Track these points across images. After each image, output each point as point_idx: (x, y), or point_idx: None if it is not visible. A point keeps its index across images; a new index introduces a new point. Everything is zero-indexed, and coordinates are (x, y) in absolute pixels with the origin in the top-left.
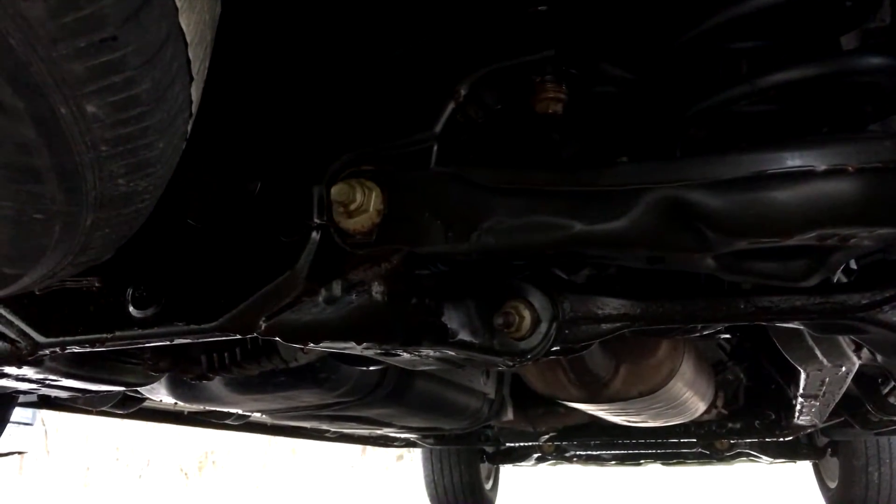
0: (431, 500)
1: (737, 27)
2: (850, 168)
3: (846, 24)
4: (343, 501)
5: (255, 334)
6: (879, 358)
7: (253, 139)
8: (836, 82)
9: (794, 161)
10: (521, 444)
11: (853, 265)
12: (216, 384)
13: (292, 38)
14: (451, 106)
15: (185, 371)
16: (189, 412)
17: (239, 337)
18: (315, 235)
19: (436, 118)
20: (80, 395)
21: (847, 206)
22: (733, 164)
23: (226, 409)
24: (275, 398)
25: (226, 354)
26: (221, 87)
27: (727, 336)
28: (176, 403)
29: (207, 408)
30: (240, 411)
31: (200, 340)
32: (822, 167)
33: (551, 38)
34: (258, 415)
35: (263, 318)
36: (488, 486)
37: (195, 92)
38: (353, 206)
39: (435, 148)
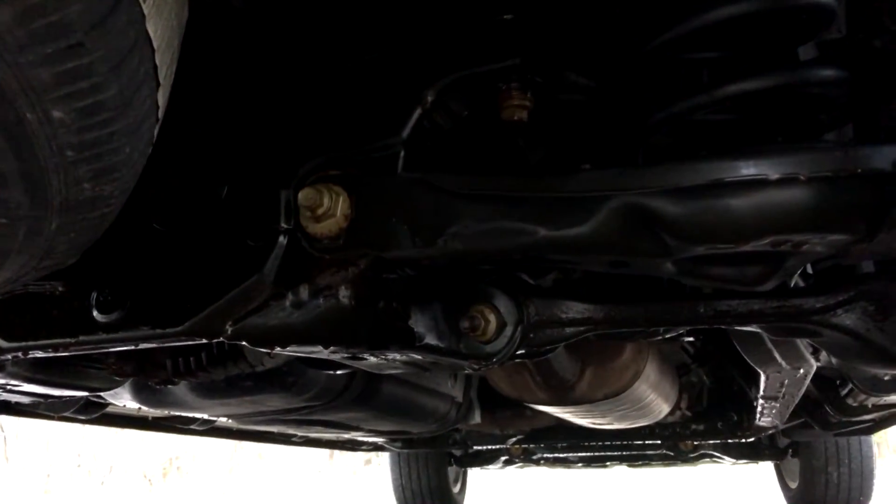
0: None
1: (698, 38)
2: (801, 177)
3: (802, 35)
4: None
5: (222, 339)
6: (834, 360)
7: (220, 143)
8: (790, 93)
9: (748, 170)
10: (489, 447)
11: (809, 270)
12: (181, 389)
13: (259, 43)
14: (418, 112)
15: (149, 376)
16: (153, 417)
17: (205, 341)
18: (282, 240)
19: (403, 124)
20: (42, 400)
21: (799, 213)
22: (692, 172)
23: (191, 414)
24: (241, 402)
25: (191, 359)
26: (189, 90)
27: (691, 339)
28: (140, 408)
29: (172, 413)
30: (205, 416)
31: (166, 345)
32: (776, 176)
33: (517, 47)
34: (224, 419)
35: (230, 323)
36: (456, 489)
37: (162, 97)
38: (320, 211)
39: (402, 153)
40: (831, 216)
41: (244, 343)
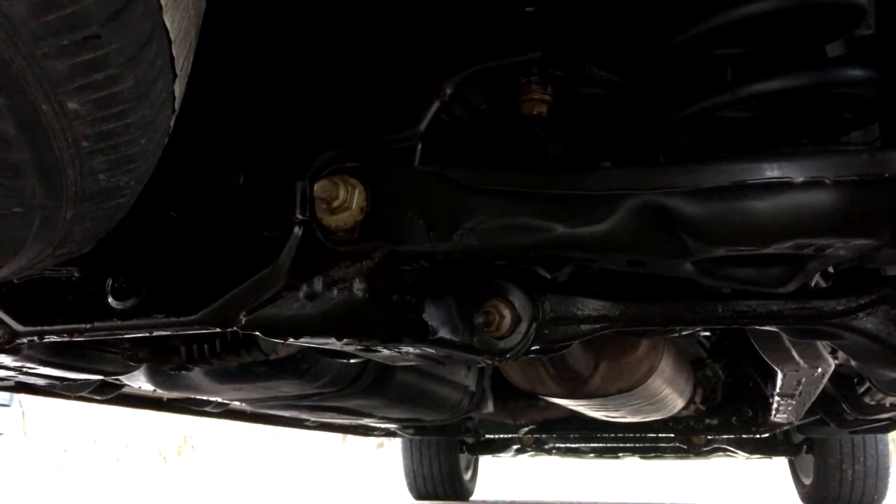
0: (410, 490)
1: (723, 34)
2: (827, 180)
3: (831, 32)
4: (323, 488)
5: (236, 328)
6: (854, 363)
7: (238, 133)
8: (816, 92)
9: (772, 172)
10: (501, 435)
11: (831, 270)
12: (196, 373)
13: (280, 33)
14: (436, 105)
15: (164, 361)
16: (168, 399)
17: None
18: (297, 231)
19: (421, 117)
20: (57, 382)
21: (823, 217)
22: (713, 173)
23: (205, 398)
24: (255, 388)
25: (206, 346)
26: (208, 81)
27: (707, 334)
28: (155, 390)
29: (187, 395)
30: (219, 399)
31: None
32: (800, 179)
33: (538, 40)
34: (238, 403)
35: (244, 313)
36: (467, 476)
37: (178, 88)
38: (335, 203)
39: (419, 146)
40: (856, 220)
41: (258, 333)
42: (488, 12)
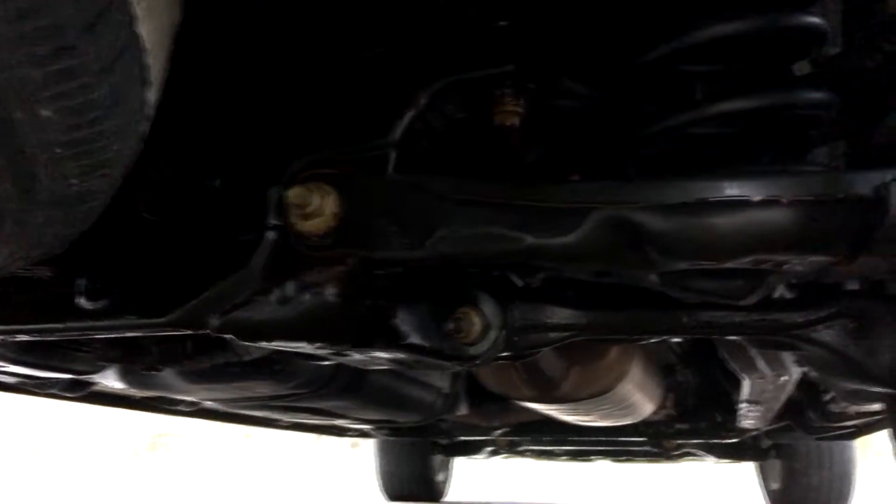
0: (383, 490)
1: (692, 53)
2: (783, 200)
3: (795, 53)
4: (296, 487)
5: (207, 331)
6: (813, 373)
7: (215, 136)
8: (778, 113)
9: (732, 190)
10: (475, 437)
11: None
12: (168, 372)
13: (258, 40)
14: (411, 114)
15: (135, 361)
16: (140, 397)
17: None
18: (271, 235)
19: (395, 125)
20: (27, 380)
21: (780, 234)
22: (677, 190)
23: (177, 397)
24: (228, 388)
25: (178, 347)
26: (185, 85)
27: (679, 340)
28: (127, 388)
29: (159, 394)
30: (192, 399)
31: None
32: (758, 198)
33: (511, 53)
34: (211, 402)
35: (216, 315)
36: (440, 478)
37: (153, 96)
38: (309, 209)
39: (393, 155)
40: (812, 238)
41: (230, 336)
42: (463, 25)
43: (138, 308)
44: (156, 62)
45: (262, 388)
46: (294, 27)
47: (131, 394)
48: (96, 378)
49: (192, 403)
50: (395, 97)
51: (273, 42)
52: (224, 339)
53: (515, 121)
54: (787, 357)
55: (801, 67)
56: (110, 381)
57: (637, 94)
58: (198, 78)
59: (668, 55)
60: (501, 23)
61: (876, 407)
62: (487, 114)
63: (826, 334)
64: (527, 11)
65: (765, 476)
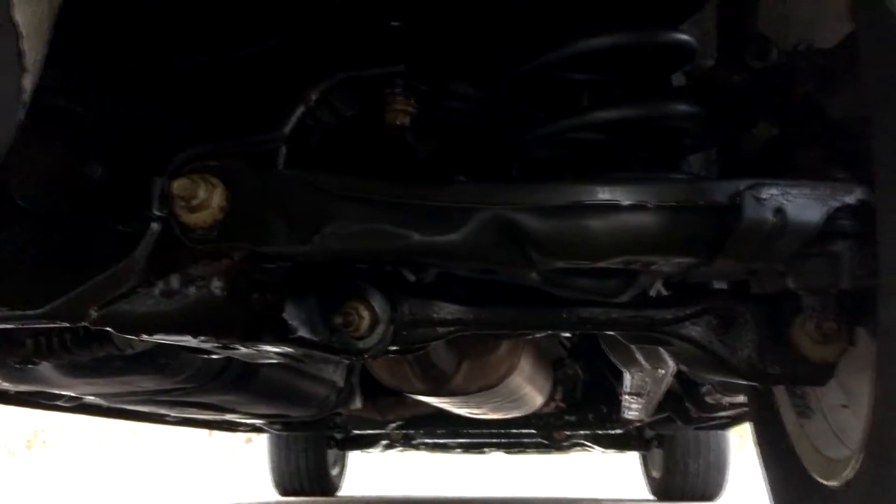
0: (276, 486)
1: (576, 63)
2: (649, 205)
3: (669, 66)
4: (187, 485)
5: (86, 323)
6: (683, 367)
7: (97, 124)
8: (649, 123)
9: (604, 195)
10: (369, 431)
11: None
12: (46, 366)
13: (144, 25)
14: (301, 109)
15: (8, 354)
16: (16, 392)
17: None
18: (155, 227)
19: (285, 120)
20: None
21: (647, 237)
22: (555, 193)
23: (57, 392)
24: (110, 383)
25: (55, 339)
26: (65, 70)
27: (568, 335)
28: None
29: (36, 389)
30: (72, 394)
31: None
32: (627, 202)
33: (402, 54)
34: (92, 397)
35: (95, 308)
36: (335, 472)
37: (29, 82)
38: (195, 202)
39: (283, 149)
40: (675, 241)
41: (109, 329)
42: (356, 23)
43: (12, 299)
44: (32, 49)
45: (147, 383)
46: (178, 17)
47: (5, 388)
48: None
49: (72, 399)
50: (287, 92)
51: (156, 30)
52: (105, 332)
53: (406, 120)
54: (664, 351)
55: (679, 80)
56: None
57: (525, 98)
58: (77, 64)
59: (552, 63)
60: (393, 23)
61: (745, 399)
62: (379, 112)
63: (693, 330)
64: (418, 13)
65: (647, 466)
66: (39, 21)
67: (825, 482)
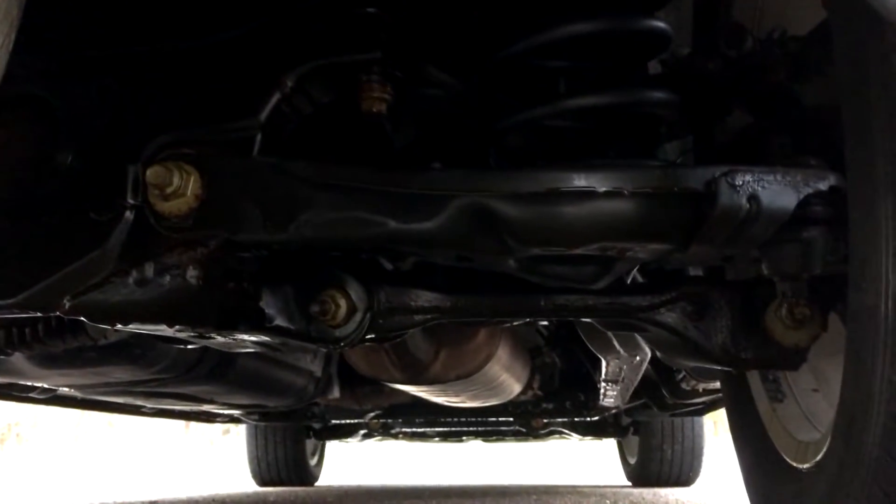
0: (254, 476)
1: (551, 50)
2: (625, 191)
3: (645, 54)
4: (164, 477)
5: (59, 313)
6: (659, 353)
7: (67, 110)
8: (624, 110)
9: (580, 182)
10: (348, 421)
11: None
12: (18, 357)
13: (116, 13)
14: (276, 96)
15: None
16: None
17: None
18: (129, 215)
19: (261, 107)
20: None
21: (623, 223)
22: (531, 180)
23: (30, 383)
24: (84, 374)
25: (27, 330)
26: (37, 56)
27: (545, 323)
28: None
29: (8, 381)
30: (46, 385)
31: None
32: (603, 189)
33: (378, 41)
34: (67, 389)
35: (68, 297)
36: (313, 461)
37: None
38: (169, 190)
39: (259, 136)
40: (651, 228)
41: (82, 318)
42: (332, 9)
43: None
44: (1, 32)
45: (122, 374)
46: (150, 1)
47: None
48: None
49: (46, 390)
50: (262, 79)
51: (128, 15)
52: (78, 321)
53: (382, 107)
54: (640, 338)
55: (655, 68)
56: None
57: (501, 85)
58: (47, 50)
59: (528, 51)
60: (370, 10)
61: (719, 384)
62: (355, 100)
63: (668, 317)
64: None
65: (624, 452)
66: (7, 6)
67: (797, 465)
